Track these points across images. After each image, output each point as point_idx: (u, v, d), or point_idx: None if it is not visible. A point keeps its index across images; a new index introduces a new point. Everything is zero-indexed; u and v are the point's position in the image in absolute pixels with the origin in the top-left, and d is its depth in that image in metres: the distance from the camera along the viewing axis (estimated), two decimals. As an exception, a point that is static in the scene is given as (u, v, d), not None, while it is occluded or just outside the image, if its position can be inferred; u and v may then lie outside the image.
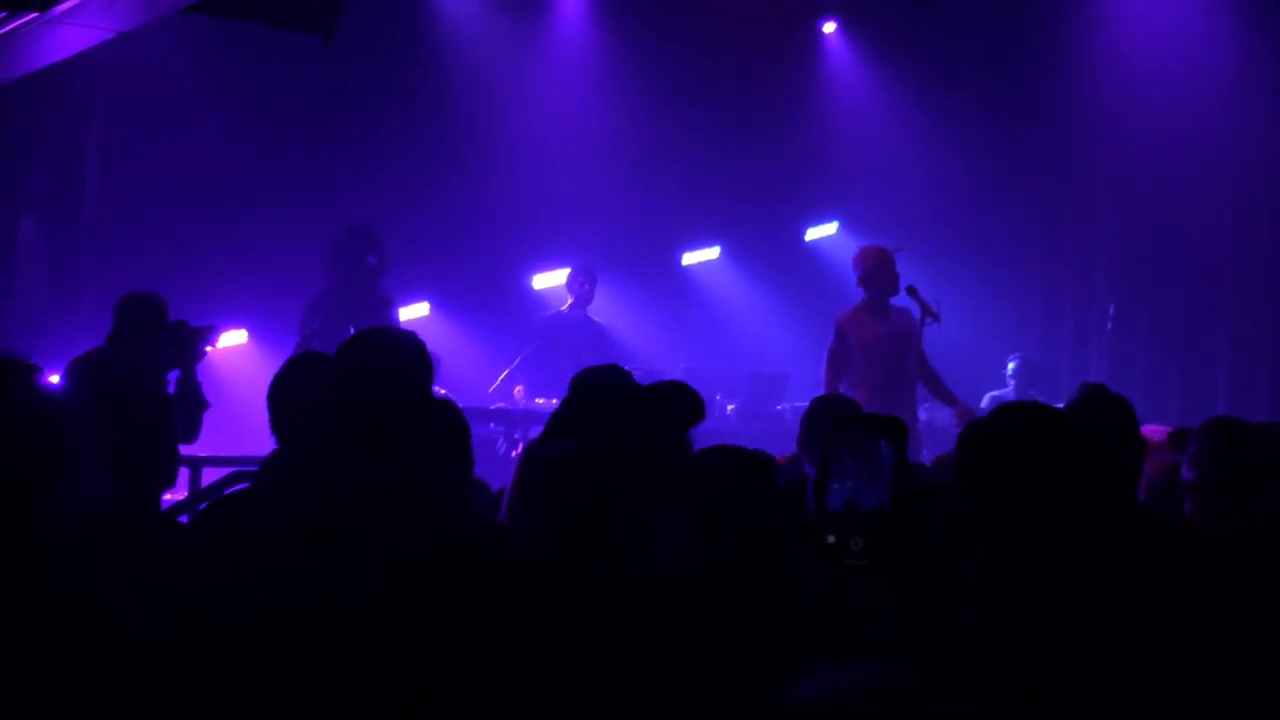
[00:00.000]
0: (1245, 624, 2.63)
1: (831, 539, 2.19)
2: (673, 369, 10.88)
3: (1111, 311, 11.17)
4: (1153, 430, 5.30)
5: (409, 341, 3.56)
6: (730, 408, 10.68)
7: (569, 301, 10.16)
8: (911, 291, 8.48)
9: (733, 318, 12.67)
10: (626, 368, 9.79)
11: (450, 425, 3.31)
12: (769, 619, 2.81)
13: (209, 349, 6.48)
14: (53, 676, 2.50)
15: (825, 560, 2.18)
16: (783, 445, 6.13)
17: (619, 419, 3.78)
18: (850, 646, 2.52)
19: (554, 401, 9.17)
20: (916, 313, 8.45)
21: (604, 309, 11.02)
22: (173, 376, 6.35)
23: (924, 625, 2.17)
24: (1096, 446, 2.28)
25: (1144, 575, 2.48)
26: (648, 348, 11.32)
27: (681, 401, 3.44)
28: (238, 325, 9.79)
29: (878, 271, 8.44)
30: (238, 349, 9.83)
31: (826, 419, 4.84)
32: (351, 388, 3.42)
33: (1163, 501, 4.49)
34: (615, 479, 2.82)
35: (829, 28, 12.78)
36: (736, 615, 2.75)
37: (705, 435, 10.03)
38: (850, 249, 8.99)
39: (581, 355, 9.80)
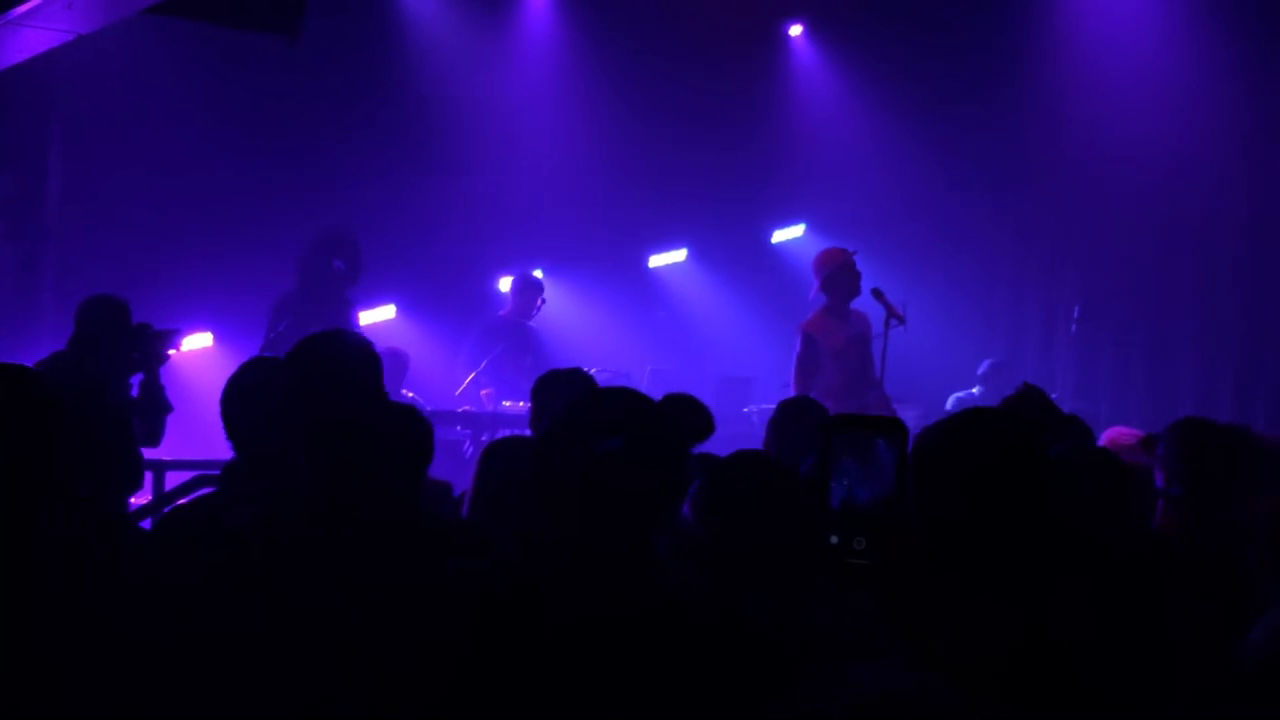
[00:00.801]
0: (1219, 628, 2.64)
1: (834, 539, 2.18)
2: (639, 371, 10.89)
3: (1077, 313, 11.21)
4: (1119, 432, 5.33)
5: (357, 345, 3.54)
6: (698, 410, 10.66)
7: (508, 308, 10.18)
8: (877, 294, 8.51)
9: (700, 320, 12.67)
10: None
11: (408, 428, 3.28)
12: (779, 625, 2.82)
13: (173, 352, 6.43)
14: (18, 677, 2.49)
15: (828, 560, 2.18)
16: (750, 447, 6.13)
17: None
18: (854, 651, 2.51)
19: (521, 405, 9.21)
20: (881, 315, 8.47)
21: (572, 311, 11.03)
22: (136, 380, 6.32)
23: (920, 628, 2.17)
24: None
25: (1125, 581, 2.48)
26: (615, 350, 11.31)
27: (694, 417, 3.39)
28: (203, 328, 9.74)
29: (840, 275, 8.47)
30: (203, 352, 9.78)
31: (794, 423, 4.84)
32: (298, 392, 3.40)
33: (1134, 506, 4.51)
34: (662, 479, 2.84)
35: (795, 31, 12.80)
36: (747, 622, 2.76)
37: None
38: (817, 251, 9.00)
39: (521, 360, 9.81)
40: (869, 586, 2.18)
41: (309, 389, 3.37)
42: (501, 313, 10.27)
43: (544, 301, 10.21)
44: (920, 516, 2.22)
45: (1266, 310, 10.93)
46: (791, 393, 8.25)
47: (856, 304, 8.61)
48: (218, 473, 3.89)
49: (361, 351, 3.50)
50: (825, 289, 8.50)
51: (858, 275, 8.48)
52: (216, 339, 9.87)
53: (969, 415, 2.31)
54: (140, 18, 8.27)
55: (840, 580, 2.20)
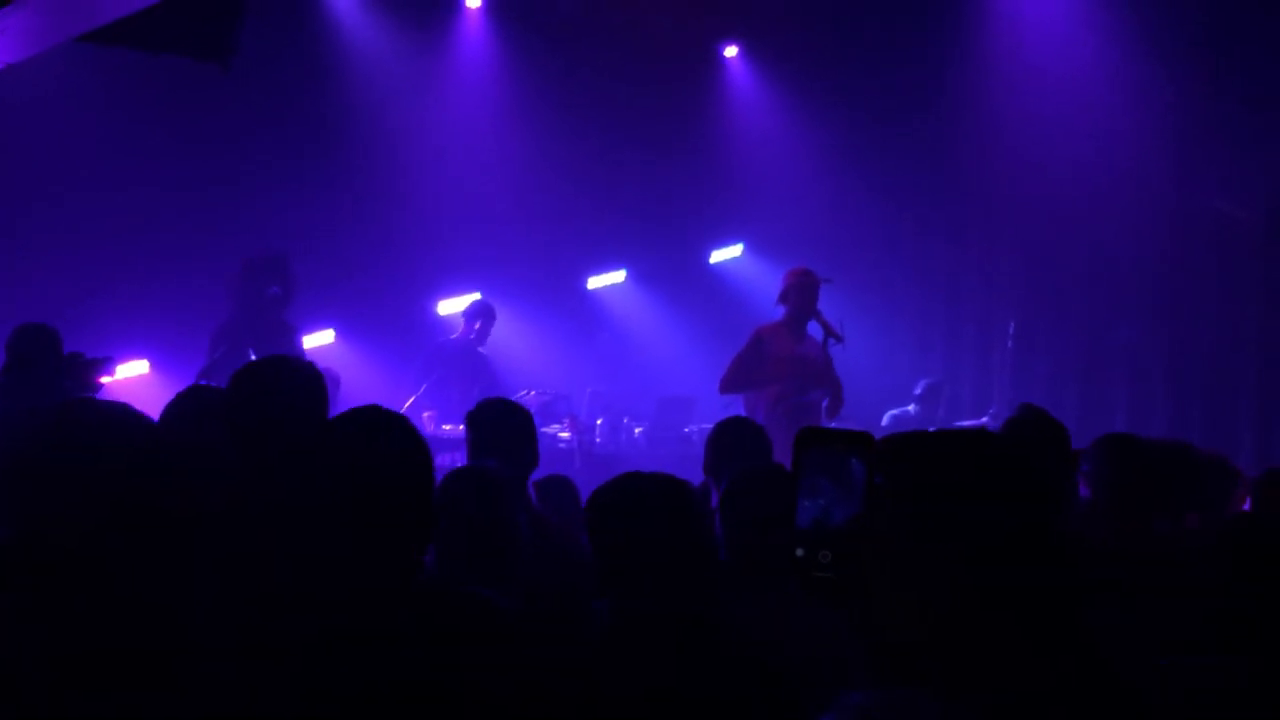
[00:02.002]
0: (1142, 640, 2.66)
1: (800, 552, 2.18)
2: (580, 393, 10.89)
3: (1012, 329, 11.31)
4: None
5: (302, 370, 3.52)
6: (638, 431, 10.69)
7: (459, 332, 10.17)
8: (814, 313, 8.58)
9: (640, 341, 12.69)
10: (518, 392, 9.85)
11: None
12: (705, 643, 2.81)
13: (106, 380, 6.38)
14: None
15: (792, 573, 2.18)
16: (692, 467, 6.13)
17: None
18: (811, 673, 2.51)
19: (460, 428, 9.18)
20: (820, 334, 8.55)
21: (511, 333, 11.00)
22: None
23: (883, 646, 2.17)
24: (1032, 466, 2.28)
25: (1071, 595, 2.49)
26: (555, 372, 11.31)
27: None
28: (139, 356, 9.64)
29: (792, 291, 8.59)
30: (140, 379, 9.68)
31: (729, 443, 4.84)
32: (241, 418, 3.38)
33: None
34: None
35: (730, 52, 12.87)
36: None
37: (614, 459, 10.06)
38: (755, 271, 9.08)
39: (468, 384, 9.80)
40: (834, 601, 2.18)
41: (250, 417, 3.35)
42: (452, 336, 10.25)
43: (483, 325, 10.19)
44: (896, 532, 2.22)
45: (1197, 323, 11.07)
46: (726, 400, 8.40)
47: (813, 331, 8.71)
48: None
49: (305, 377, 3.48)
50: (781, 300, 8.65)
51: (813, 295, 8.58)
52: (153, 366, 9.77)
53: (926, 433, 2.32)
54: (70, 45, 8.20)
55: (805, 594, 2.21)
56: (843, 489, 2.18)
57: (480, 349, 10.20)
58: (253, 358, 8.05)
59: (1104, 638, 2.47)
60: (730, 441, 4.84)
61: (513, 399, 10.18)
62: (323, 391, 3.50)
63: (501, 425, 4.57)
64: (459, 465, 4.11)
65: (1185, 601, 3.03)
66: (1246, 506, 5.11)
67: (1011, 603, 2.14)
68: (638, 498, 3.00)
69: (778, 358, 8.49)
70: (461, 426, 9.10)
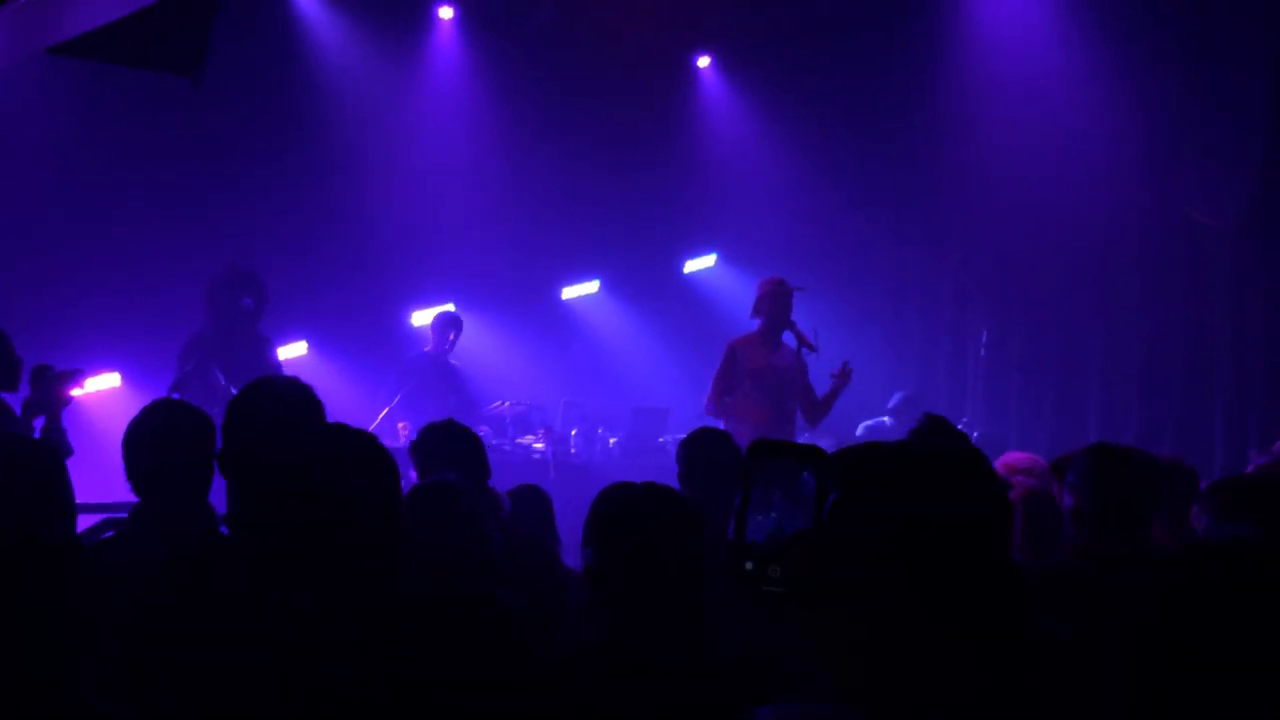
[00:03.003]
0: (1132, 654, 2.66)
1: (749, 565, 2.18)
2: (554, 404, 10.87)
3: (985, 338, 11.33)
4: (1014, 457, 5.40)
5: (299, 391, 3.49)
6: (613, 441, 10.68)
7: (431, 344, 10.18)
8: (789, 323, 8.61)
9: (614, 351, 12.68)
10: (492, 403, 9.84)
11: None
12: (692, 659, 2.80)
13: (76, 393, 6.33)
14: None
15: (741, 586, 2.17)
16: (666, 478, 6.11)
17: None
18: (777, 684, 2.50)
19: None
20: (794, 344, 8.58)
21: (484, 344, 10.99)
22: (38, 423, 6.20)
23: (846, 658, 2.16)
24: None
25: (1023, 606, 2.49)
26: (528, 383, 11.29)
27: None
28: (111, 368, 9.59)
29: (766, 301, 8.63)
30: (112, 392, 9.62)
31: (702, 453, 4.84)
32: (238, 445, 3.34)
33: (1037, 530, 4.56)
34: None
35: (703, 62, 12.89)
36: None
37: (588, 470, 10.05)
38: (729, 280, 9.11)
39: (442, 397, 9.80)
40: (784, 613, 2.17)
41: (249, 441, 3.31)
42: (425, 349, 10.25)
43: (455, 336, 10.19)
44: (847, 545, 2.22)
45: (1170, 329, 11.11)
46: (703, 413, 8.42)
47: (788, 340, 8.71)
48: (124, 515, 3.83)
49: (300, 398, 3.44)
50: (755, 311, 8.68)
51: (786, 306, 8.61)
52: (125, 379, 9.72)
53: (881, 445, 2.32)
54: (42, 57, 8.16)
55: (755, 607, 2.20)
56: (794, 503, 2.17)
57: (453, 360, 10.20)
58: (219, 374, 8.07)
59: (1057, 651, 2.47)
60: (701, 452, 4.84)
61: (484, 410, 10.24)
62: (318, 411, 3.46)
63: (447, 445, 4.58)
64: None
65: (1141, 619, 3.01)
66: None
67: (958, 616, 2.15)
68: (655, 510, 3.01)
69: (752, 370, 8.52)
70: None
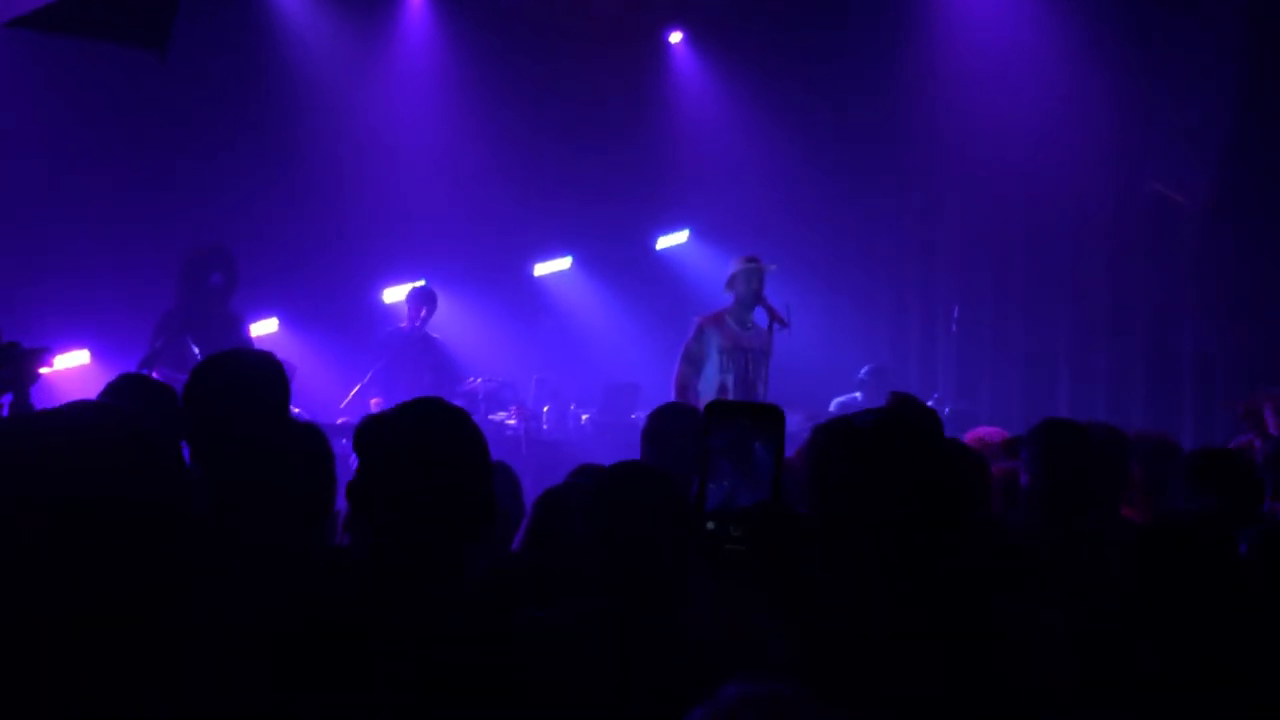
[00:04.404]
0: (1084, 630, 2.67)
1: (711, 525, 2.18)
2: (526, 380, 10.86)
3: (956, 314, 11.36)
4: (986, 431, 5.38)
5: (264, 363, 3.48)
6: (585, 418, 10.69)
7: (405, 320, 10.16)
8: (760, 299, 8.60)
9: (585, 328, 12.67)
10: (463, 383, 9.80)
11: (315, 450, 3.24)
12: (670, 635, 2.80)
13: (45, 370, 6.29)
14: None
15: (704, 548, 2.18)
16: (637, 453, 6.12)
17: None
18: (742, 660, 2.51)
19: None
20: (765, 323, 8.57)
21: (456, 321, 10.96)
22: (6, 400, 6.17)
23: (805, 630, 2.17)
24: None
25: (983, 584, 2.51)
26: (500, 359, 11.27)
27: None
28: (80, 345, 9.54)
29: (737, 278, 8.62)
30: (81, 370, 9.57)
31: (668, 429, 4.80)
32: (204, 412, 3.33)
33: (1001, 507, 4.55)
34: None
35: (675, 38, 12.86)
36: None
37: (560, 446, 10.03)
38: (701, 257, 9.11)
39: (419, 372, 9.77)
40: (746, 574, 2.18)
41: (212, 410, 3.30)
42: (401, 325, 10.22)
43: (427, 311, 10.17)
44: (816, 515, 2.23)
45: (1135, 305, 11.18)
46: (672, 389, 8.39)
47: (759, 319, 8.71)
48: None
49: (270, 370, 3.44)
50: (727, 288, 8.69)
51: (756, 284, 8.59)
52: (94, 356, 9.67)
53: (865, 415, 2.33)
54: (6, 32, 8.08)
55: (717, 568, 2.21)
56: (747, 470, 2.18)
57: (435, 335, 10.19)
58: (194, 349, 8.04)
59: (1015, 625, 2.49)
60: (664, 426, 4.80)
61: (458, 387, 10.22)
62: (285, 384, 3.46)
63: (392, 439, 4.54)
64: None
65: (1100, 595, 3.03)
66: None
67: (927, 589, 2.16)
68: (646, 491, 3.01)
69: (722, 348, 8.51)
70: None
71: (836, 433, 2.29)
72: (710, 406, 2.24)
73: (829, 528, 2.21)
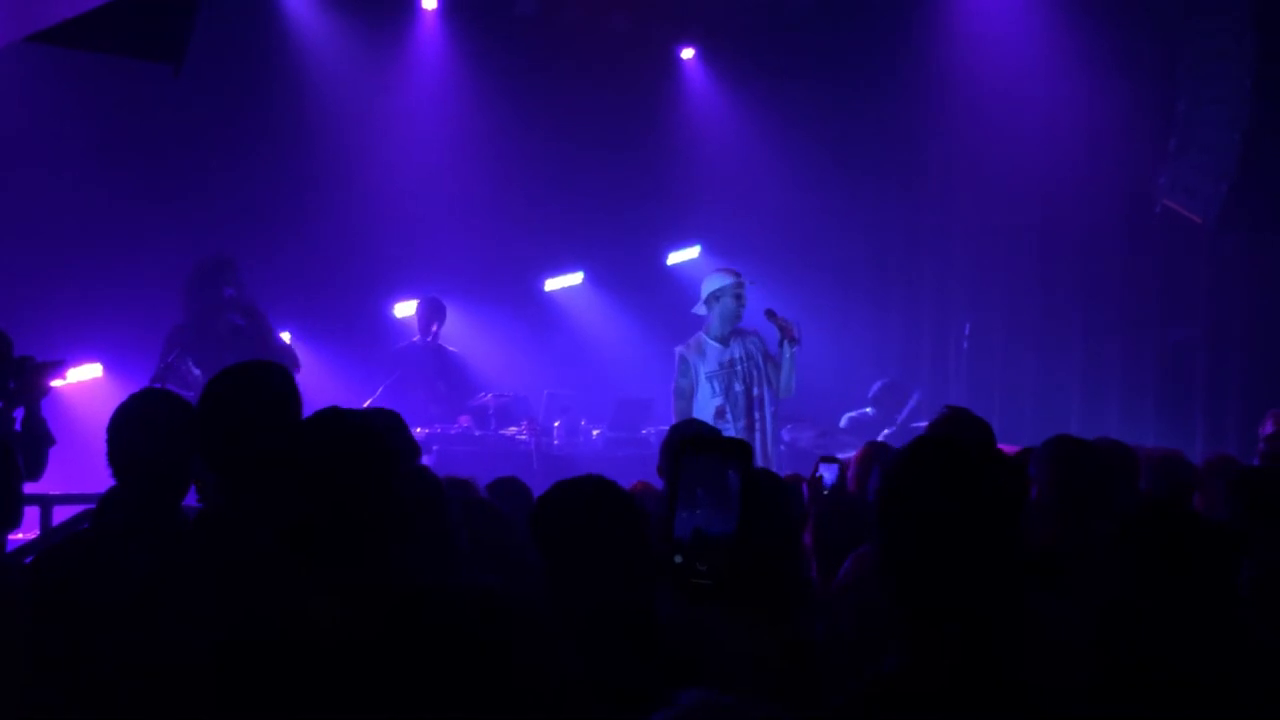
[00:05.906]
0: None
1: (678, 559, 2.20)
2: (537, 395, 10.87)
3: (968, 330, 11.33)
4: (1004, 450, 5.37)
5: (278, 374, 3.50)
6: (596, 433, 10.68)
7: (416, 334, 10.18)
8: (770, 315, 8.54)
9: (597, 343, 12.67)
10: (478, 395, 9.79)
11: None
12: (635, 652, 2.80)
13: (58, 383, 6.32)
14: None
15: (671, 580, 2.19)
16: (649, 469, 6.14)
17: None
18: (707, 676, 2.51)
19: (419, 431, 9.16)
20: (775, 336, 8.51)
21: (467, 336, 10.97)
22: (19, 414, 6.19)
23: (775, 651, 2.17)
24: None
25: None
26: (512, 375, 11.28)
27: None
28: (92, 359, 9.56)
29: (723, 295, 8.52)
30: (94, 383, 9.59)
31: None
32: (217, 424, 3.35)
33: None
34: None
35: (687, 54, 12.89)
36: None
37: (571, 461, 10.03)
38: (713, 272, 9.05)
39: (433, 385, 9.78)
40: (711, 606, 2.20)
41: (229, 425, 3.31)
42: (414, 339, 10.23)
43: (438, 324, 10.18)
44: (887, 551, 2.20)
45: (1148, 321, 11.16)
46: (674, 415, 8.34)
47: (747, 325, 8.65)
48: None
49: (283, 381, 3.45)
50: (709, 304, 8.59)
51: (738, 297, 8.51)
52: (107, 369, 9.69)
53: (929, 449, 2.29)
54: (22, 45, 8.12)
55: (685, 599, 2.22)
56: (719, 501, 2.19)
57: (450, 347, 10.20)
58: (194, 370, 8.05)
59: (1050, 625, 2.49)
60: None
61: (469, 402, 10.22)
62: (294, 395, 3.47)
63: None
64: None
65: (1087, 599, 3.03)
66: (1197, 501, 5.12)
67: (970, 598, 2.16)
68: (575, 500, 2.99)
69: (710, 372, 8.46)
70: (420, 429, 9.14)
71: (931, 460, 2.21)
72: (684, 440, 2.27)
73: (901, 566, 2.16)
